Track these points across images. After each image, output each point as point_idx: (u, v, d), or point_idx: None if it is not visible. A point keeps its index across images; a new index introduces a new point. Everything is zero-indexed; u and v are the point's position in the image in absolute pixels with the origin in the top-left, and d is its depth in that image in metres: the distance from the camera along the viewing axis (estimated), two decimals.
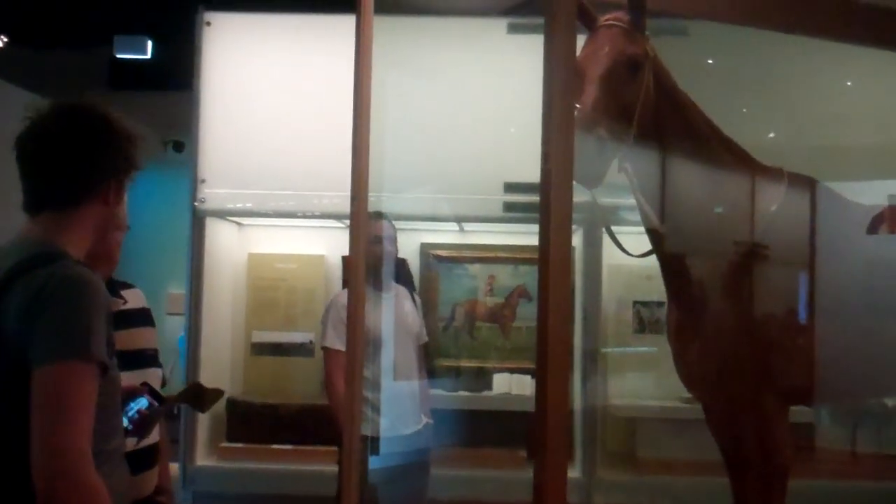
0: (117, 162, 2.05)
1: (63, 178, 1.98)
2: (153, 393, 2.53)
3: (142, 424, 2.49)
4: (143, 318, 2.84)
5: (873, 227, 3.40)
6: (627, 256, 2.96)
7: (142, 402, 2.48)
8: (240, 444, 5.10)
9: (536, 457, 2.14)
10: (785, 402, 2.92)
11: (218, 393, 2.82)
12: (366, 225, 3.14)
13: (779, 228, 2.92)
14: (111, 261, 2.57)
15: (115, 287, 2.74)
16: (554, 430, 2.16)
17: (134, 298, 2.82)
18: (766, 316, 2.88)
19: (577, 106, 2.61)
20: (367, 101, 3.18)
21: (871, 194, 3.53)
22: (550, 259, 2.15)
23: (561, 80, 2.18)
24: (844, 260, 3.05)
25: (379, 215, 4.40)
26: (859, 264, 3.11)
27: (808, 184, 3.06)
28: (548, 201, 2.20)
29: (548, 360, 2.14)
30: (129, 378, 2.47)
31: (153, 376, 2.73)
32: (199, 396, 2.77)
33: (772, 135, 5.41)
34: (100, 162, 2.02)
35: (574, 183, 2.59)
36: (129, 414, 2.44)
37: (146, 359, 2.76)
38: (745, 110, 5.46)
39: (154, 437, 2.72)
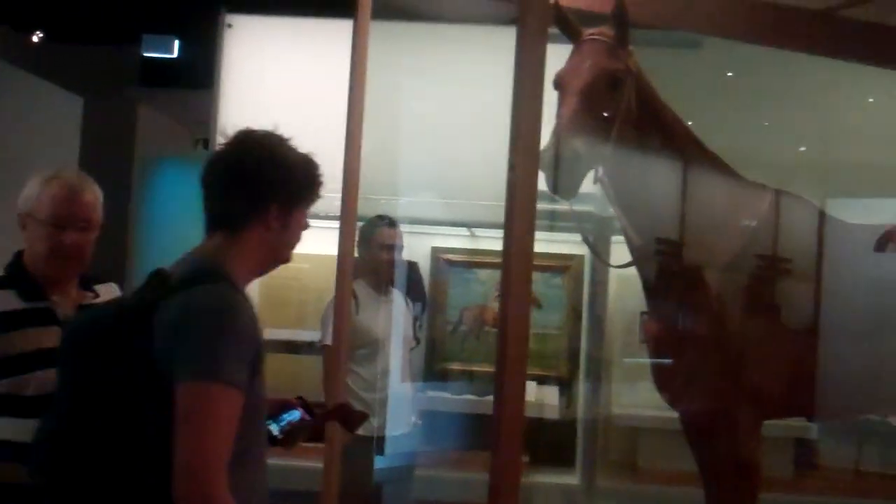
0: (279, 189, 2.12)
1: (228, 202, 2.10)
2: (306, 407, 2.59)
3: (291, 435, 2.55)
4: None
5: (881, 246, 3.43)
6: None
7: (294, 415, 2.54)
8: None
9: (492, 459, 2.20)
10: (758, 416, 2.95)
11: (364, 416, 2.85)
12: (353, 225, 3.24)
13: (759, 243, 2.95)
14: (82, 259, 2.66)
15: (89, 282, 2.78)
16: (509, 432, 2.22)
17: (107, 293, 2.82)
18: (740, 329, 2.91)
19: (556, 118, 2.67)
20: (360, 104, 3.27)
21: (887, 211, 3.55)
22: (512, 267, 2.21)
23: (528, 91, 2.24)
24: (825, 275, 3.07)
25: (389, 222, 4.49)
26: (842, 280, 3.13)
27: (792, 200, 3.09)
28: (512, 211, 2.27)
29: (505, 364, 2.21)
30: None
31: None
32: (346, 417, 2.82)
33: (802, 149, 5.42)
34: (260, 188, 2.10)
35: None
36: (281, 424, 2.51)
37: None
38: (766, 124, 5.47)
39: None
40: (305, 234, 5.86)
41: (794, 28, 3.69)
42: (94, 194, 2.69)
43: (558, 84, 2.76)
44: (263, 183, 2.09)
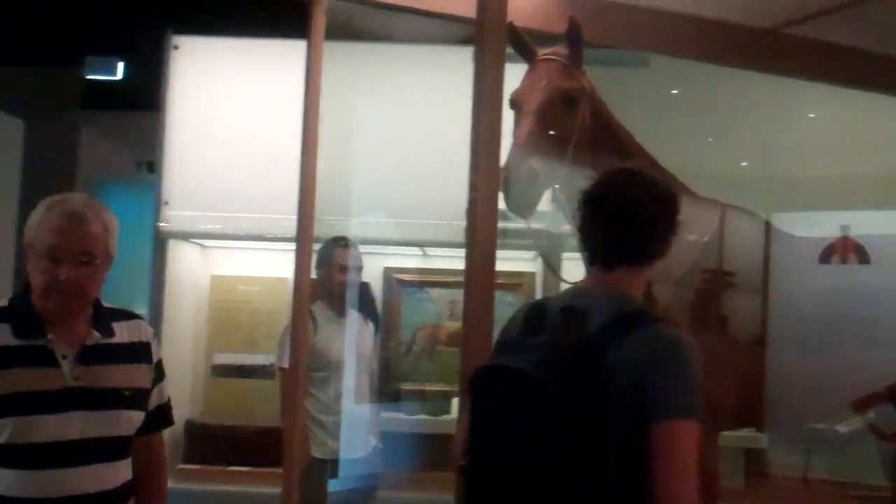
0: (676, 223, 2.18)
1: (645, 240, 2.12)
2: None
3: None
4: (127, 354, 2.50)
5: (825, 258, 3.50)
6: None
7: None
8: (197, 466, 5.11)
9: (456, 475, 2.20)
10: (712, 428, 2.99)
11: None
12: (310, 247, 3.23)
13: (711, 257, 2.99)
14: (83, 296, 2.39)
15: (104, 317, 2.48)
16: None
17: (131, 331, 2.53)
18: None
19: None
20: (315, 126, 3.27)
21: (829, 224, 3.63)
22: (472, 284, 2.23)
23: (487, 112, 2.27)
24: (774, 288, 3.13)
25: (346, 243, 4.48)
26: (790, 292, 3.19)
27: (743, 215, 3.14)
28: (475, 229, 2.29)
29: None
30: (92, 421, 2.34)
31: (123, 420, 2.43)
32: None
33: (744, 164, 5.51)
34: (671, 225, 2.16)
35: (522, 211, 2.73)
36: None
37: (120, 400, 2.43)
38: (710, 140, 5.56)
39: (121, 476, 2.44)
40: (255, 257, 5.83)
41: (740, 45, 3.78)
42: (102, 224, 2.39)
43: (514, 104, 2.79)
44: (673, 221, 2.16)
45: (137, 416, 2.47)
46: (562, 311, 2.05)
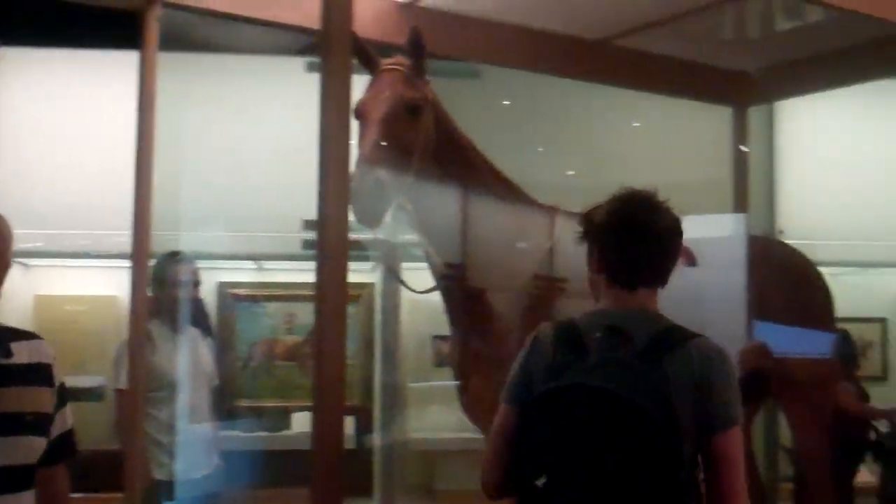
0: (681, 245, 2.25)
1: (665, 263, 2.18)
2: None
3: None
4: (27, 376, 2.29)
5: None
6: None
7: None
8: None
9: (310, 492, 2.17)
10: None
11: None
12: (146, 263, 3.12)
13: (552, 263, 3.07)
14: None
15: (1, 337, 2.26)
16: (326, 465, 2.19)
17: (29, 351, 2.31)
18: None
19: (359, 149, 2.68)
20: (150, 141, 3.16)
21: None
22: (324, 297, 2.20)
23: (335, 122, 2.25)
24: None
25: (181, 258, 4.35)
26: None
27: (575, 221, 3.22)
28: (325, 241, 2.27)
29: (322, 396, 2.19)
30: None
31: (25, 447, 2.23)
32: None
33: (571, 172, 5.67)
34: (680, 247, 2.21)
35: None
36: None
37: (21, 425, 2.23)
38: (540, 149, 5.71)
39: None
40: (81, 275, 5.61)
41: (569, 56, 3.90)
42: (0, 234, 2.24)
43: (359, 114, 2.78)
44: (680, 243, 2.22)
45: (39, 443, 2.28)
46: (607, 330, 2.09)
